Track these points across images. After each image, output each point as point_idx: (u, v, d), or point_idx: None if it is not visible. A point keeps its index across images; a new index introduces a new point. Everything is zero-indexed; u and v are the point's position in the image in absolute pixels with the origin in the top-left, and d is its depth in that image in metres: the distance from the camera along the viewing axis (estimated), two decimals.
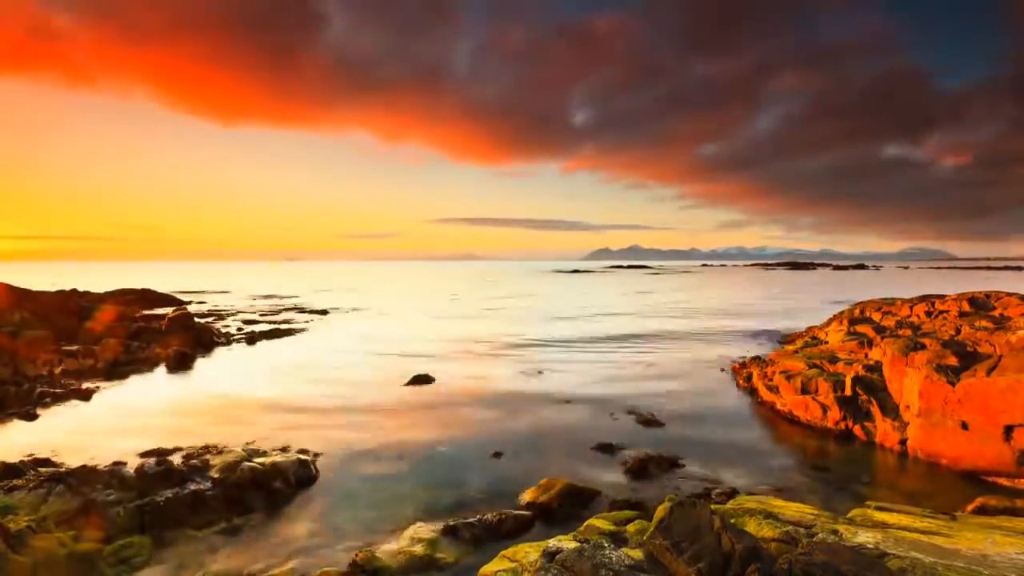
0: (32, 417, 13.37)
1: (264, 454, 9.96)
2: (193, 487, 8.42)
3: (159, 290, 46.93)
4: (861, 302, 22.88)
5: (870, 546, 4.71)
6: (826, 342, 18.38)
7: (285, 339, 27.37)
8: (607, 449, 11.26)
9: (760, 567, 4.00)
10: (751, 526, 5.36)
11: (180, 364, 20.57)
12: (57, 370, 17.90)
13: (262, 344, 25.68)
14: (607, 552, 4.67)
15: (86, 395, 15.51)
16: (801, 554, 4.22)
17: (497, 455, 10.93)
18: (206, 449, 10.71)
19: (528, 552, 5.57)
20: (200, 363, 21.07)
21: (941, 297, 19.46)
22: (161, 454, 10.48)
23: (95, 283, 54.11)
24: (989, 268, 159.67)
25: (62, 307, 25.05)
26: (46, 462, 9.95)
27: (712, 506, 5.52)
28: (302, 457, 10.11)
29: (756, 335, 27.18)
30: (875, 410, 11.89)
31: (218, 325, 30.70)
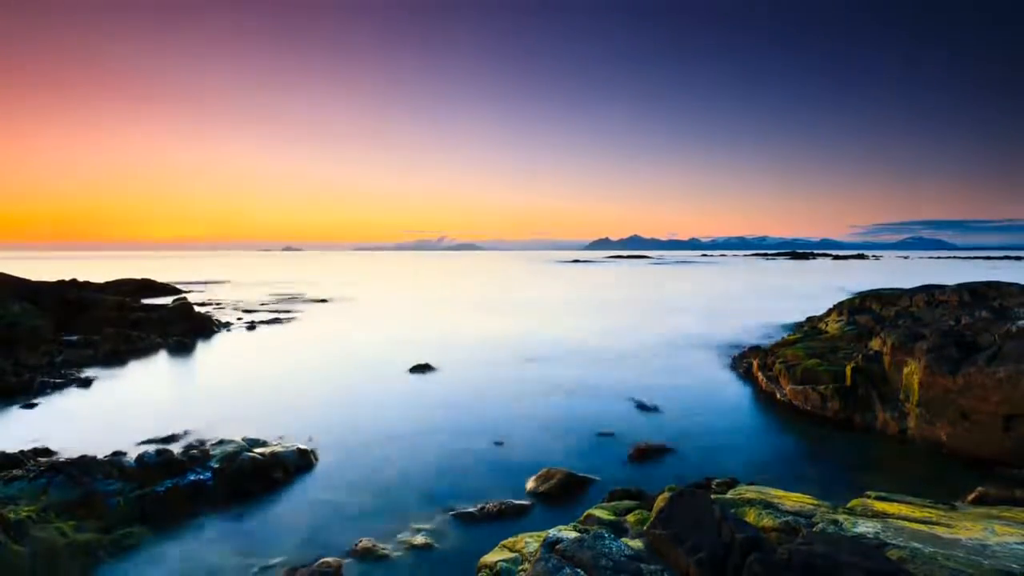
0: (32, 407, 13.38)
1: (264, 444, 9.97)
2: (193, 477, 8.44)
3: (159, 280, 46.89)
4: (861, 292, 22.86)
5: (870, 536, 4.71)
6: (826, 332, 18.37)
7: (285, 327, 27.37)
8: (607, 437, 11.28)
9: (760, 557, 3.99)
10: (751, 516, 5.36)
11: (180, 353, 20.59)
12: (57, 360, 17.89)
13: (262, 333, 25.68)
14: (607, 542, 4.67)
15: (86, 385, 15.52)
16: (801, 544, 4.21)
17: (497, 444, 10.96)
18: (206, 439, 10.72)
19: (528, 542, 5.59)
20: (200, 352, 21.08)
21: (941, 288, 19.44)
22: (161, 443, 10.50)
23: (94, 273, 54.02)
24: (989, 258, 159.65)
25: (62, 297, 25.00)
26: (46, 452, 9.98)
27: (712, 496, 5.52)
28: (302, 447, 10.13)
29: (756, 325, 27.17)
30: (875, 400, 11.90)
31: (218, 314, 30.69)
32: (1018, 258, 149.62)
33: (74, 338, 20.77)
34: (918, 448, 10.52)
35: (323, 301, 40.70)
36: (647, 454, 10.28)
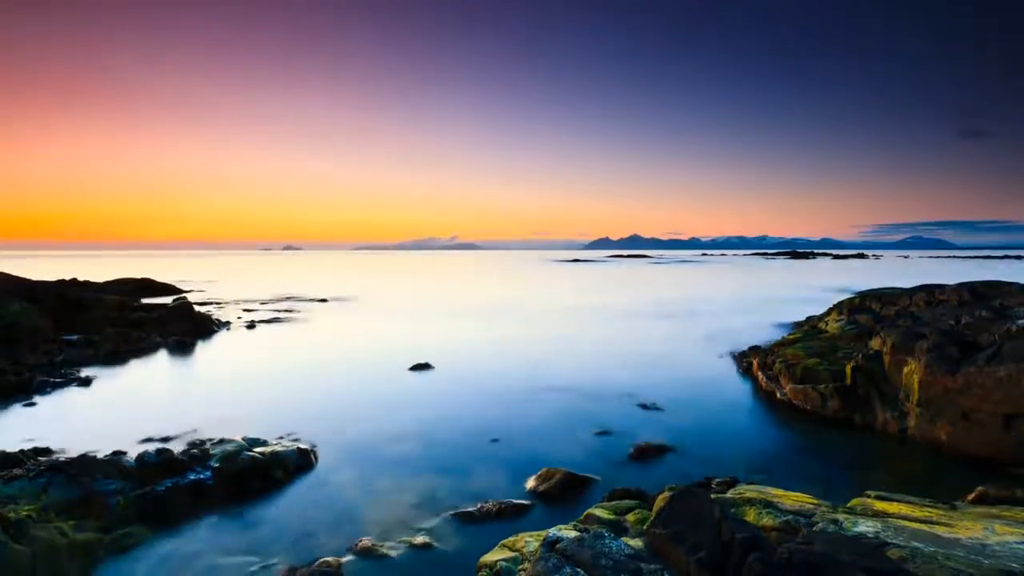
0: (32, 406, 13.39)
1: (264, 443, 9.96)
2: (193, 477, 8.44)
3: (159, 279, 46.87)
4: (861, 292, 22.83)
5: (870, 535, 4.70)
6: (826, 331, 18.36)
7: (285, 327, 27.37)
8: (607, 437, 11.28)
9: (760, 557, 3.99)
10: (751, 516, 5.36)
11: (181, 352, 20.60)
12: (57, 359, 17.89)
13: (262, 332, 25.67)
14: (607, 541, 4.67)
15: (86, 384, 15.52)
16: (801, 544, 4.21)
17: (497, 442, 10.95)
18: (206, 439, 10.72)
19: (528, 541, 5.59)
20: (200, 351, 21.08)
21: (941, 287, 19.42)
22: (161, 443, 10.50)
23: (95, 272, 54.06)
24: (989, 258, 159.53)
25: (62, 296, 24.99)
26: (46, 451, 9.98)
27: (712, 495, 5.52)
28: (302, 446, 10.13)
29: (756, 324, 27.14)
30: (875, 399, 11.90)
31: (218, 313, 30.68)
32: (1018, 258, 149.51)
33: (74, 337, 20.78)
34: (918, 448, 10.52)
35: (323, 300, 40.69)
36: (647, 453, 10.28)
